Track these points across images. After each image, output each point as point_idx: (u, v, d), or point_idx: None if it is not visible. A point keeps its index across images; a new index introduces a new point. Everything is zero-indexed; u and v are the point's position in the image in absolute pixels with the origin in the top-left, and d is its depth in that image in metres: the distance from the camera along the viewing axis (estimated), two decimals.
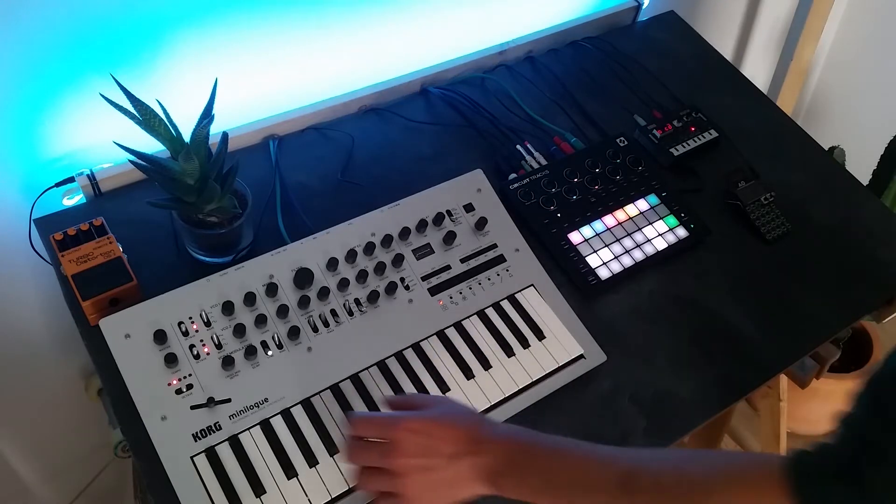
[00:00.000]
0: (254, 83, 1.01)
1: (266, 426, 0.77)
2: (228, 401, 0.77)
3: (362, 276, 0.86)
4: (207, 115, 0.79)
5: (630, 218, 0.99)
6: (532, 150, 1.05)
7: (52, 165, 0.92)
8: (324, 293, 0.84)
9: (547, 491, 0.65)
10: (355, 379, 0.82)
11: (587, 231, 0.97)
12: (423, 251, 0.91)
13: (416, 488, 0.66)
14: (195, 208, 0.83)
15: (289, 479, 0.74)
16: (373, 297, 0.85)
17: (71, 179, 0.92)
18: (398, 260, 0.88)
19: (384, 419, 0.69)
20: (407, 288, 0.88)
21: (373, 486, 0.69)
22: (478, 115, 1.09)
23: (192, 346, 0.79)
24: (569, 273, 0.93)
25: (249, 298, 0.82)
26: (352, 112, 1.09)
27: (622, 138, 1.06)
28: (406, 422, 0.67)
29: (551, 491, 0.65)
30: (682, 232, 0.99)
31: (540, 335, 0.88)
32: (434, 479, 0.66)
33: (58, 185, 0.91)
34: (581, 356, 0.87)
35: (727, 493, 0.58)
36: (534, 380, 0.85)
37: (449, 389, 0.82)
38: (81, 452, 1.26)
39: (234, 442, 0.75)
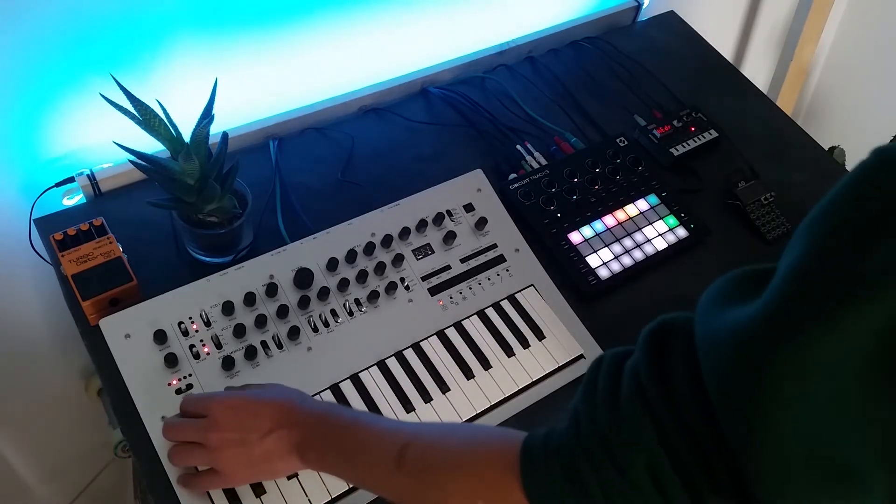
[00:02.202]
0: (254, 83, 1.01)
1: None
2: None
3: (362, 277, 0.86)
4: (207, 115, 0.79)
5: (630, 218, 0.99)
6: (532, 150, 1.05)
7: (52, 165, 0.92)
8: (324, 293, 0.84)
9: (343, 464, 0.66)
10: (355, 379, 0.82)
11: (587, 231, 0.97)
12: (423, 251, 0.91)
13: (233, 463, 0.68)
14: (195, 208, 0.83)
15: (289, 479, 0.74)
16: (373, 297, 0.85)
17: (71, 179, 0.92)
18: (398, 260, 0.88)
19: (203, 396, 0.72)
20: (407, 288, 0.88)
21: (190, 461, 0.71)
22: (478, 115, 1.09)
23: (192, 346, 0.79)
24: (569, 273, 0.93)
25: (249, 298, 0.82)
26: (352, 112, 1.09)
27: (622, 138, 1.06)
28: (223, 398, 0.70)
29: (346, 464, 0.66)
30: (682, 232, 0.99)
31: (540, 335, 0.88)
32: (249, 453, 0.67)
33: (58, 185, 0.91)
34: (581, 356, 0.87)
35: (473, 469, 0.58)
36: (534, 380, 0.85)
37: (449, 389, 0.82)
38: (81, 452, 1.26)
39: None
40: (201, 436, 0.69)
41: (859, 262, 0.38)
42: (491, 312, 0.89)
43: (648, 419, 0.48)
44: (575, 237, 0.96)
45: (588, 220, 0.98)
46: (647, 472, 0.48)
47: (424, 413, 0.81)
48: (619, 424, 0.49)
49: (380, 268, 0.87)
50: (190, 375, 0.78)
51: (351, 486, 0.74)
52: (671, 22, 1.31)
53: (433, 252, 0.91)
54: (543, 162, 1.03)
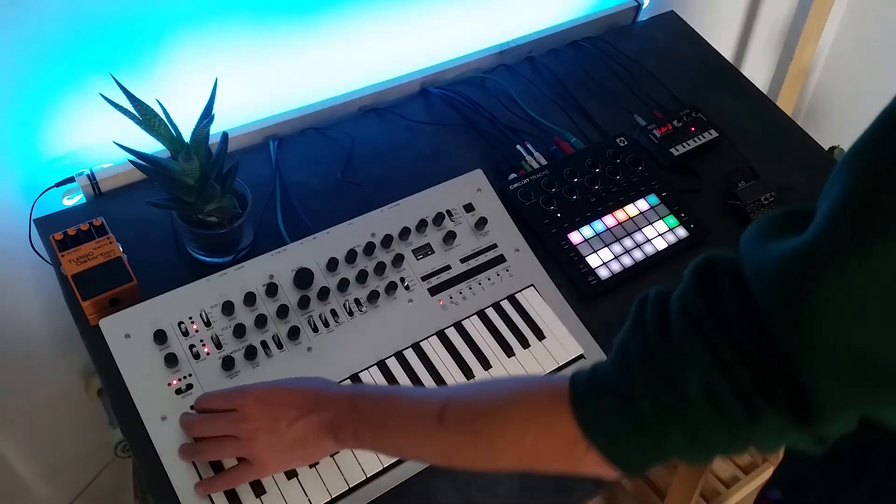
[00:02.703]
0: (254, 83, 1.01)
1: None
2: None
3: (362, 277, 0.86)
4: (207, 115, 0.79)
5: (630, 218, 0.99)
6: (532, 150, 1.05)
7: (52, 165, 0.92)
8: (324, 293, 0.84)
9: (381, 436, 0.66)
10: (355, 379, 0.82)
11: (587, 231, 0.97)
12: (423, 251, 0.91)
13: (266, 451, 0.69)
14: (195, 208, 0.83)
15: (289, 479, 0.74)
16: (373, 297, 0.85)
17: (71, 179, 0.92)
18: (398, 260, 0.88)
19: (229, 391, 0.73)
20: (407, 288, 0.88)
21: (223, 454, 0.71)
22: (478, 115, 1.09)
23: (192, 346, 0.79)
24: (569, 273, 0.93)
25: (249, 298, 0.82)
26: (352, 112, 1.09)
27: (622, 138, 1.06)
28: (250, 390, 0.71)
29: (384, 435, 0.66)
30: (682, 232, 0.99)
31: (540, 335, 0.88)
32: (282, 441, 0.68)
33: (58, 185, 0.91)
34: (581, 356, 0.87)
35: (520, 409, 0.59)
36: None
37: None
38: (81, 452, 1.26)
39: None
40: (233, 428, 0.69)
41: None
42: (491, 312, 0.89)
43: (700, 339, 0.49)
44: (575, 237, 0.96)
45: (588, 220, 0.98)
46: (703, 389, 0.49)
47: None
48: (671, 347, 0.51)
49: (380, 268, 0.87)
50: (190, 375, 0.78)
51: (353, 485, 0.75)
52: (671, 22, 1.31)
53: (433, 252, 0.91)
54: (543, 162, 1.03)
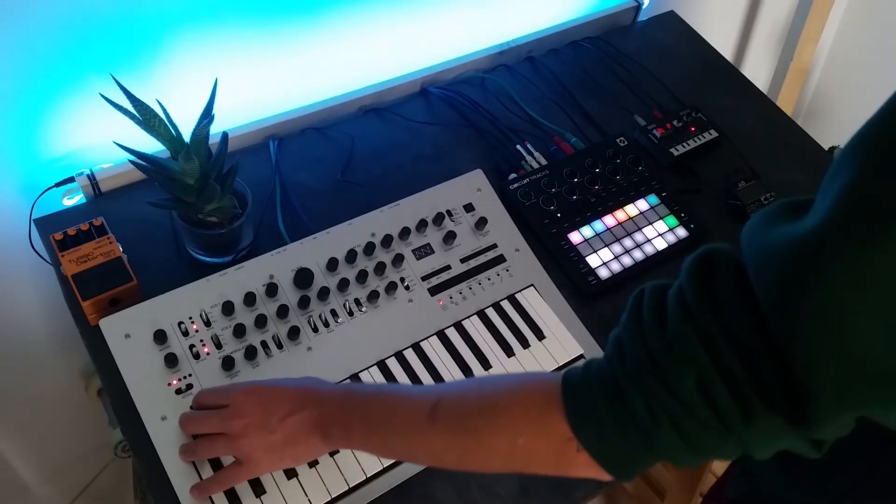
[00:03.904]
0: (254, 83, 1.01)
1: None
2: None
3: (362, 277, 0.86)
4: (207, 115, 0.79)
5: (630, 218, 0.99)
6: (532, 150, 1.05)
7: (52, 165, 0.92)
8: (324, 293, 0.84)
9: (371, 435, 0.65)
10: (355, 379, 0.82)
11: (587, 231, 0.97)
12: (423, 251, 0.91)
13: (257, 449, 0.68)
14: (195, 208, 0.83)
15: (289, 479, 0.74)
16: (373, 297, 0.85)
17: (71, 179, 0.92)
18: (398, 260, 0.88)
19: (222, 388, 0.73)
20: (407, 288, 0.88)
21: (214, 452, 0.71)
22: (478, 115, 1.09)
23: (192, 346, 0.79)
24: (569, 273, 0.93)
25: (249, 298, 0.82)
26: (352, 112, 1.09)
27: (622, 138, 1.06)
28: (243, 386, 0.71)
29: (374, 434, 0.65)
30: (682, 232, 0.99)
31: (540, 335, 0.88)
32: (272, 438, 0.67)
33: (58, 185, 0.91)
34: (581, 356, 0.87)
35: (512, 408, 0.58)
36: None
37: None
38: (81, 452, 1.26)
39: None
40: (224, 425, 0.69)
41: None
42: (491, 312, 0.89)
43: (697, 337, 0.48)
44: (575, 237, 0.96)
45: (588, 220, 0.98)
46: (698, 388, 0.48)
47: None
48: (667, 344, 0.49)
49: (380, 268, 0.87)
50: (190, 375, 0.78)
51: (353, 485, 0.75)
52: (671, 22, 1.31)
53: (433, 252, 0.91)
54: (543, 162, 1.03)
